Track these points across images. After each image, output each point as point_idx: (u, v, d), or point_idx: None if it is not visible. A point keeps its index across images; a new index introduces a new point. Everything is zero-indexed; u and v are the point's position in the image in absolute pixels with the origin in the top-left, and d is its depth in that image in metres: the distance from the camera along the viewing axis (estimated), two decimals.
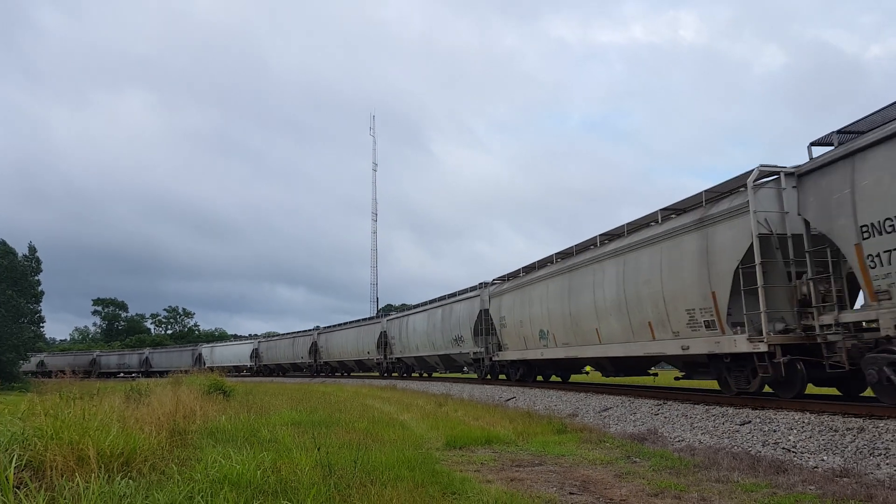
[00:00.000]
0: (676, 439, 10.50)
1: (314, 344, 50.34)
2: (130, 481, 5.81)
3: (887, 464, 7.24)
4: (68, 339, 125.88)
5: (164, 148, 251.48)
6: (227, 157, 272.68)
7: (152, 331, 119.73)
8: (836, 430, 8.65)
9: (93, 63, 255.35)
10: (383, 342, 39.19)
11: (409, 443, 10.06)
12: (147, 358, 70.91)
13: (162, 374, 60.93)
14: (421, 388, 27.63)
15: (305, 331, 54.84)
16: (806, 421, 9.40)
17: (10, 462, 5.48)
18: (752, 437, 9.49)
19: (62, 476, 5.77)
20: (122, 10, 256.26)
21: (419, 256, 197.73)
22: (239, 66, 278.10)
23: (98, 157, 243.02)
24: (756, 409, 11.07)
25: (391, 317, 40.03)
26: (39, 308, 50.89)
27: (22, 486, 5.26)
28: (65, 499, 5.06)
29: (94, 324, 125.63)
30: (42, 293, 50.69)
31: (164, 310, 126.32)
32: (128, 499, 5.27)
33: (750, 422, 10.17)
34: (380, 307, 78.95)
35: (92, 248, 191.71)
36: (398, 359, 37.45)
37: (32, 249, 50.65)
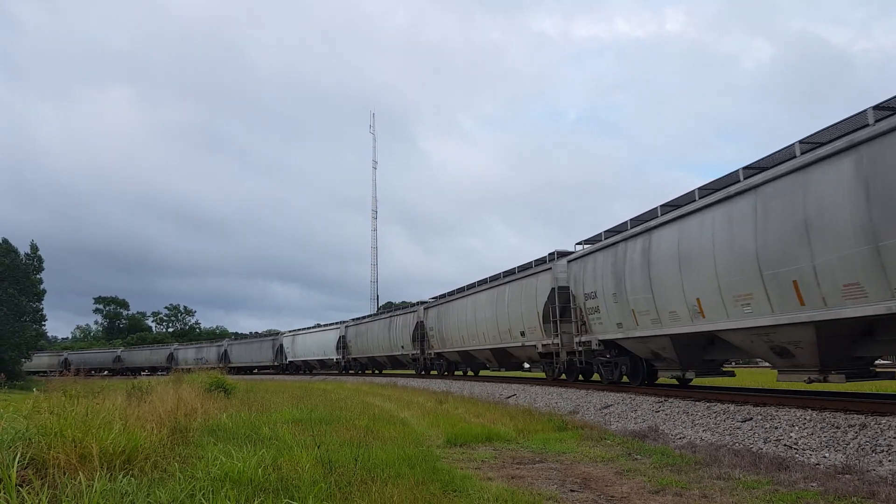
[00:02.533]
0: (678, 436, 10.51)
1: (419, 325, 33.31)
2: (132, 479, 5.83)
3: (889, 461, 7.24)
4: (70, 337, 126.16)
5: (150, 143, 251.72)
6: (213, 152, 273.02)
7: (153, 329, 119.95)
8: (838, 427, 8.65)
9: (74, 58, 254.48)
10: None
11: (410, 440, 10.06)
12: (226, 351, 63.64)
13: (243, 370, 58.73)
14: (421, 386, 27.65)
15: (410, 308, 36.37)
16: (808, 418, 9.40)
17: (14, 460, 5.49)
18: (754, 433, 9.49)
19: (65, 474, 5.78)
20: (100, 3, 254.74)
21: (412, 252, 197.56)
22: (220, 60, 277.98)
23: (84, 154, 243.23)
24: (757, 405, 11.07)
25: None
26: (41, 306, 50.98)
27: (25, 484, 5.28)
28: (67, 497, 5.08)
29: (96, 322, 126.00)
30: (44, 291, 50.78)
31: (166, 308, 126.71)
32: (130, 497, 5.28)
33: (751, 419, 10.18)
34: (378, 305, 78.92)
35: (82, 246, 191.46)
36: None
37: (34, 248, 50.71)
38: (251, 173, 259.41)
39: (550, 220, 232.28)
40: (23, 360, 47.35)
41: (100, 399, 10.13)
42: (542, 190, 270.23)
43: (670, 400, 13.31)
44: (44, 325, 53.90)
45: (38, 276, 49.87)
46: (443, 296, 31.46)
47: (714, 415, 11.10)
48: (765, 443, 8.99)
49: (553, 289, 19.28)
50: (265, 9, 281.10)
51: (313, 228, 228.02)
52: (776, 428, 9.41)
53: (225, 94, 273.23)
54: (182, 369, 51.77)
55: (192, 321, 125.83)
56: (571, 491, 6.75)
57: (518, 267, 23.29)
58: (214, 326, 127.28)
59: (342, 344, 45.79)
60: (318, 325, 52.63)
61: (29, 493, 4.92)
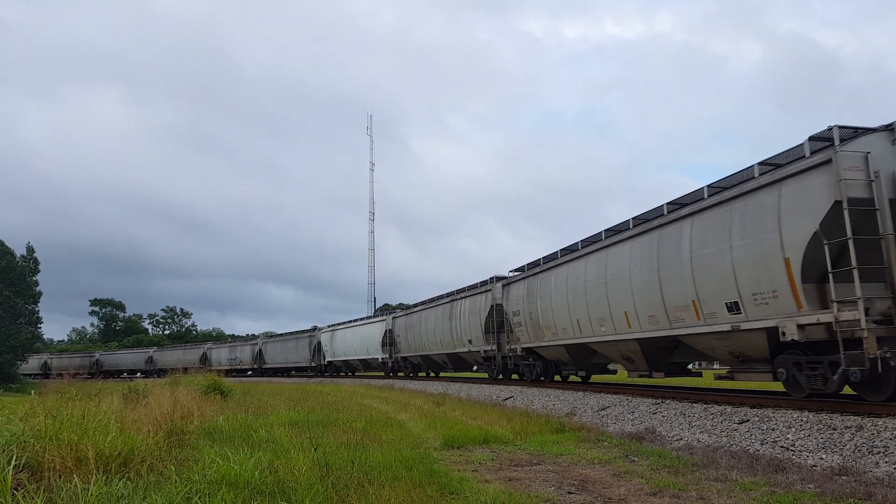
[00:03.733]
0: (675, 438, 10.51)
1: (493, 306, 24.18)
2: (128, 482, 5.80)
3: (886, 462, 7.25)
4: (66, 339, 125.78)
5: (140, 143, 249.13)
6: (203, 152, 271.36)
7: (150, 331, 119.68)
8: (834, 429, 8.66)
9: (59, 57, 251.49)
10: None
11: (407, 442, 10.05)
12: (261, 350, 59.12)
13: (280, 372, 55.30)
14: (418, 388, 27.63)
15: (481, 285, 26.96)
16: (804, 419, 9.41)
17: (9, 463, 5.47)
18: (751, 435, 9.50)
19: (60, 477, 5.76)
20: (85, 2, 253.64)
21: (407, 254, 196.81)
22: (209, 60, 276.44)
23: (74, 154, 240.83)
24: (754, 407, 11.09)
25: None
26: (37, 308, 50.84)
27: (20, 488, 5.25)
28: (63, 500, 5.05)
29: (92, 324, 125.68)
30: (40, 294, 50.64)
31: (162, 310, 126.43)
32: (126, 500, 5.26)
33: (748, 420, 10.18)
34: (376, 307, 78.77)
35: (74, 247, 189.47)
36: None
37: (30, 250, 50.62)
38: (242, 174, 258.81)
39: (544, 222, 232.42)
40: (18, 362, 47.20)
41: (96, 401, 10.09)
42: (536, 191, 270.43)
43: (667, 402, 13.32)
44: (40, 327, 53.75)
45: (34, 278, 49.73)
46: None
47: (711, 416, 11.11)
48: (762, 444, 9.00)
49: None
50: (253, 8, 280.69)
51: (306, 230, 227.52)
52: (773, 429, 9.41)
53: (215, 94, 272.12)
54: (216, 370, 51.29)
55: (189, 323, 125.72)
56: (569, 493, 6.74)
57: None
58: (211, 329, 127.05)
59: (389, 340, 37.33)
60: (362, 319, 44.40)
61: (24, 497, 4.89)
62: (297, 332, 54.91)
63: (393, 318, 38.15)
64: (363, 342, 41.18)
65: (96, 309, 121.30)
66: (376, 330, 39.19)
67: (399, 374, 37.23)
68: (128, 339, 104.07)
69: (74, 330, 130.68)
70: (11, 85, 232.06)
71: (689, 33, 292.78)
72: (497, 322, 23.49)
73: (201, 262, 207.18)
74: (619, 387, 17.30)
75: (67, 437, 6.58)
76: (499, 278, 24.46)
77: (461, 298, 28.14)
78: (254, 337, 66.28)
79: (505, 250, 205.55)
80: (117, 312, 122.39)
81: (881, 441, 7.77)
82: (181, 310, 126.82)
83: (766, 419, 9.93)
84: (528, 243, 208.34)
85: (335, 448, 8.61)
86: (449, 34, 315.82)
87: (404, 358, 35.90)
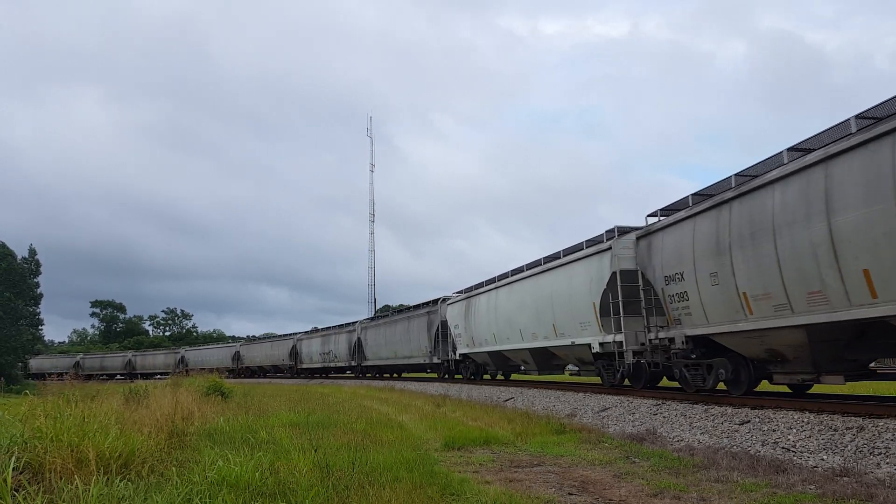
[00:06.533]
0: (675, 439, 10.50)
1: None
2: (129, 483, 5.81)
3: (887, 463, 7.24)
4: (66, 341, 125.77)
5: (125, 143, 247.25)
6: (189, 152, 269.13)
7: (150, 332, 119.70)
8: (835, 430, 8.65)
9: (38, 56, 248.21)
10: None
11: (408, 444, 10.05)
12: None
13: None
14: (419, 389, 27.63)
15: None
16: (805, 420, 9.40)
17: (10, 464, 5.47)
18: (752, 436, 9.49)
19: (61, 478, 5.76)
20: (60, 2, 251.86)
21: (399, 255, 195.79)
22: (187, 57, 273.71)
23: (58, 154, 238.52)
24: (755, 408, 11.07)
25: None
26: (38, 310, 50.87)
27: (21, 489, 5.26)
28: (64, 501, 5.06)
29: (93, 325, 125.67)
30: (41, 295, 50.66)
31: (163, 311, 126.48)
32: (126, 501, 5.27)
33: (749, 421, 10.18)
34: (376, 308, 78.74)
35: (64, 249, 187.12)
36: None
37: (32, 252, 50.66)
38: (229, 174, 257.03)
39: (537, 223, 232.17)
40: (19, 363, 47.20)
41: (97, 403, 10.09)
42: (528, 192, 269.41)
43: (668, 402, 13.31)
44: (41, 329, 53.80)
45: (35, 280, 49.76)
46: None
47: (712, 417, 11.10)
48: (762, 445, 8.99)
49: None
50: (233, 7, 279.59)
51: (298, 231, 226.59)
52: (774, 430, 9.40)
53: (196, 92, 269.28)
54: (307, 368, 49.84)
55: (189, 324, 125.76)
56: (569, 494, 6.74)
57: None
58: (211, 330, 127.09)
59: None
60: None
61: (24, 498, 4.90)
62: (411, 311, 35.63)
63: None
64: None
65: (97, 310, 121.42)
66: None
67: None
68: (128, 340, 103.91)
69: (75, 331, 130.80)
70: None
71: (674, 32, 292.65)
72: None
73: (194, 264, 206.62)
74: (620, 388, 17.27)
75: (68, 438, 6.58)
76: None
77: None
78: (348, 324, 46.82)
79: (500, 252, 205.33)
80: (118, 314, 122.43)
81: (882, 442, 7.76)
82: (182, 311, 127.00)
83: (767, 420, 9.92)
84: (522, 244, 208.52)
85: (336, 449, 8.61)
86: (431, 32, 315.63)
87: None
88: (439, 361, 30.47)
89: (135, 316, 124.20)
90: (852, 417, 9.06)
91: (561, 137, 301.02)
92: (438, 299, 31.03)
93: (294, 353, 54.54)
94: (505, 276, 22.85)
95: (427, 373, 36.93)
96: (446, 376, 31.40)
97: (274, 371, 58.07)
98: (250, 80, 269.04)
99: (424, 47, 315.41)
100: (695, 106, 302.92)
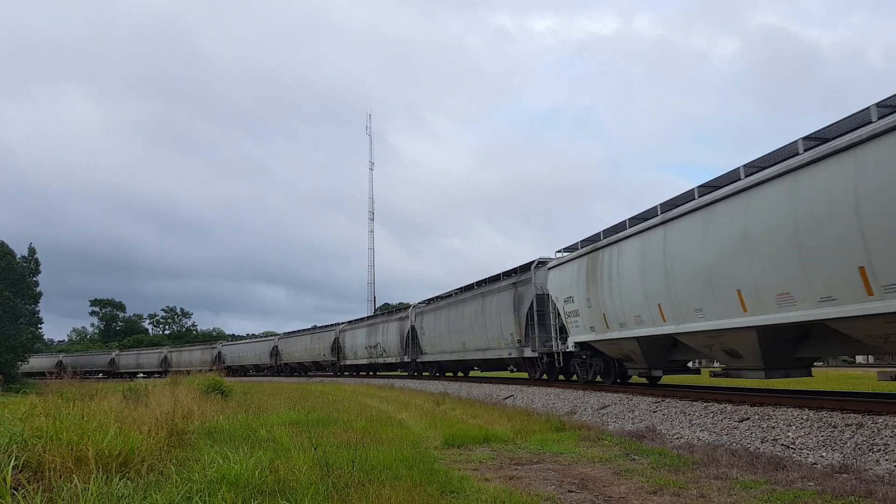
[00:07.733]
0: (675, 436, 10.51)
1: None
2: (129, 482, 5.80)
3: (886, 460, 7.25)
4: (66, 340, 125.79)
5: (114, 140, 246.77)
6: (180, 150, 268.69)
7: (150, 331, 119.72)
8: (834, 427, 8.65)
9: (26, 55, 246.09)
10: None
11: (407, 442, 10.05)
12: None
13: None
14: (419, 387, 27.64)
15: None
16: (805, 417, 9.41)
17: (9, 463, 5.46)
18: (751, 433, 9.50)
19: (60, 477, 5.76)
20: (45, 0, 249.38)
21: (395, 254, 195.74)
22: (174, 54, 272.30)
23: (51, 153, 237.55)
24: (755, 405, 11.09)
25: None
26: (37, 309, 50.85)
27: (20, 488, 5.25)
28: (63, 500, 5.05)
29: (92, 324, 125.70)
30: (40, 294, 50.64)
31: (162, 310, 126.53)
32: (126, 499, 5.26)
33: (748, 418, 10.18)
34: (376, 307, 78.71)
35: (59, 247, 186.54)
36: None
37: (32, 251, 50.65)
38: (222, 172, 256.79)
39: (532, 221, 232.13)
40: (19, 362, 47.21)
41: (96, 401, 10.09)
42: (520, 189, 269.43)
43: (667, 400, 13.32)
44: (40, 327, 53.78)
45: (34, 279, 49.74)
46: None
47: (711, 415, 11.11)
48: (762, 442, 9.00)
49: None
50: (220, 3, 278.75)
51: (293, 230, 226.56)
52: (773, 427, 9.41)
53: (185, 90, 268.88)
54: (351, 365, 45.28)
55: (189, 323, 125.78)
56: (569, 492, 6.74)
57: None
58: (211, 328, 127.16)
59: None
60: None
61: (24, 497, 4.89)
62: (492, 279, 26.19)
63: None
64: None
65: (96, 309, 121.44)
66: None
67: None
68: (128, 338, 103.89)
69: (75, 330, 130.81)
70: None
71: (667, 29, 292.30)
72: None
73: (190, 263, 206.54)
74: (620, 385, 17.28)
75: (67, 437, 6.58)
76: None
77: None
78: (400, 309, 41.70)
79: (497, 250, 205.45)
80: (117, 313, 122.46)
81: (881, 439, 7.77)
82: (181, 310, 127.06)
83: (767, 417, 9.93)
84: (518, 243, 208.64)
85: (335, 447, 8.62)
86: (421, 29, 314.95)
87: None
88: (535, 355, 20.93)
89: (134, 315, 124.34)
90: (851, 414, 9.07)
91: (553, 134, 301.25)
92: (532, 262, 21.61)
93: (336, 347, 46.92)
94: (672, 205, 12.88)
95: (511, 371, 26.02)
96: (545, 377, 21.85)
97: (315, 369, 51.31)
98: (241, 78, 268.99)
99: (415, 45, 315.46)
100: (687, 103, 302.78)
